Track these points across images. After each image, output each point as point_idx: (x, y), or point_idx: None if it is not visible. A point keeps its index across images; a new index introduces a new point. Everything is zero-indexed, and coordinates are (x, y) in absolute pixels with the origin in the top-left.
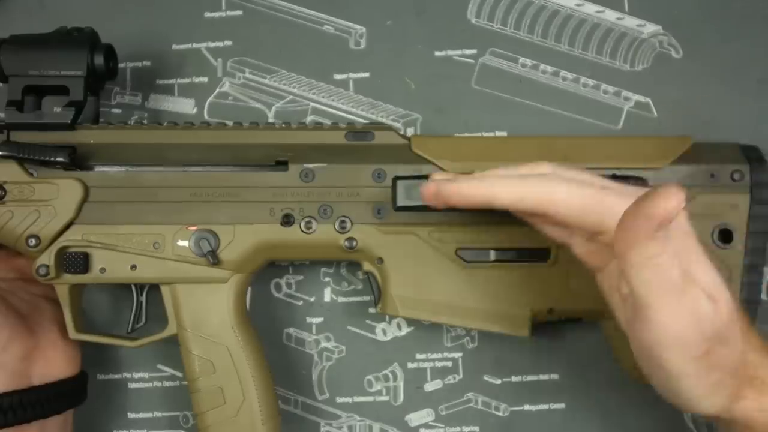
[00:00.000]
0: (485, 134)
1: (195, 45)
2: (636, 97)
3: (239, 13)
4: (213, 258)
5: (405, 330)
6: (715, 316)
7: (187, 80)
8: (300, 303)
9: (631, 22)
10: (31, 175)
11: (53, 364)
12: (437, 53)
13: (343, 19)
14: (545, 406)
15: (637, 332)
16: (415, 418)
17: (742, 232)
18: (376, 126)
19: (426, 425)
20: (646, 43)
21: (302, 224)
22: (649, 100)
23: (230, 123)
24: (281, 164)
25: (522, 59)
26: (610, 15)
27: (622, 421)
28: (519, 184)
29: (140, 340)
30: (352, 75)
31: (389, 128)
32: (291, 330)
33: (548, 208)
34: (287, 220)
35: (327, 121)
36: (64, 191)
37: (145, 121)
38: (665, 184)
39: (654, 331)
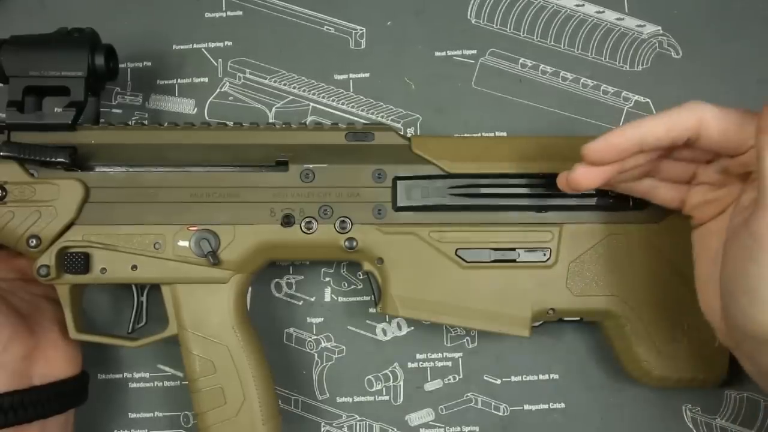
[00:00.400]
0: (485, 134)
1: (195, 45)
2: (636, 97)
3: (239, 13)
4: (213, 258)
5: (405, 330)
6: None
7: (187, 80)
8: (300, 303)
9: (630, 22)
10: (32, 175)
11: (54, 364)
12: (437, 53)
13: (343, 20)
14: (545, 406)
15: (752, 223)
16: (415, 418)
17: None
18: (377, 126)
19: (426, 425)
20: (646, 43)
21: (302, 224)
22: (648, 100)
23: (230, 123)
24: (281, 164)
25: (522, 59)
26: (610, 15)
27: (621, 421)
28: (668, 114)
29: (141, 341)
30: (352, 75)
31: (389, 128)
32: (291, 330)
33: (701, 129)
34: (287, 221)
35: (327, 122)
36: (64, 192)
37: (145, 122)
38: None
39: None
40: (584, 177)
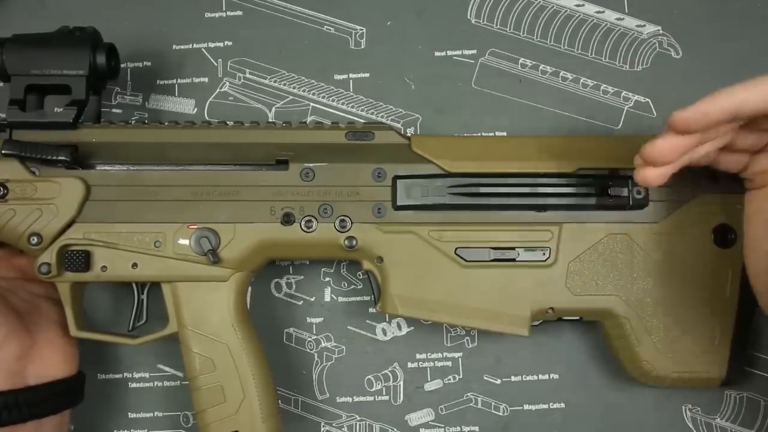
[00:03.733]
0: (485, 134)
1: (195, 45)
2: (636, 97)
3: (239, 13)
4: (213, 256)
5: (405, 330)
6: None
7: (187, 80)
8: (300, 303)
9: (630, 22)
10: (34, 173)
11: (50, 363)
12: (437, 53)
13: (343, 20)
14: (545, 406)
15: None
16: (415, 418)
17: (742, 232)
18: (377, 125)
19: (426, 425)
20: (646, 43)
21: (302, 223)
22: (648, 100)
23: (231, 122)
24: (282, 163)
25: (522, 59)
26: (610, 15)
27: (622, 421)
28: (759, 82)
29: (141, 338)
30: (352, 75)
31: (389, 128)
32: (291, 330)
33: None
34: (287, 219)
35: (327, 122)
36: (65, 190)
37: (146, 121)
38: None
39: None
40: (666, 148)
